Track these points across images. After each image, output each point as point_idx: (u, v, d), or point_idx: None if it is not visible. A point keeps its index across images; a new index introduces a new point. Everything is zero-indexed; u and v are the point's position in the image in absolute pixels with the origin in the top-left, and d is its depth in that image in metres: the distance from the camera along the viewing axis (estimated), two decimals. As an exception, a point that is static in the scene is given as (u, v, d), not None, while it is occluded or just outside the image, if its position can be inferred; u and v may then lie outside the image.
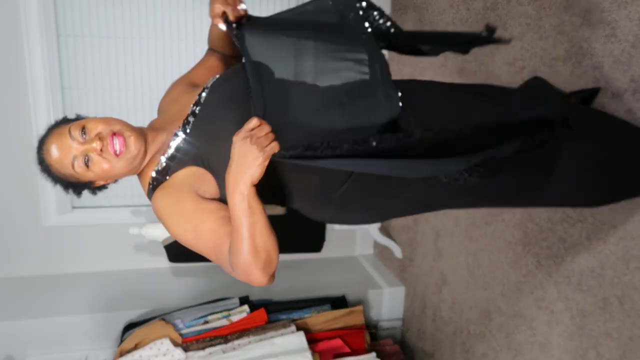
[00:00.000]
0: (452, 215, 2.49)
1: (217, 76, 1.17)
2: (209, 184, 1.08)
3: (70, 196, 2.93)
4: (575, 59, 1.70)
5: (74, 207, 2.99)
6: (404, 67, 2.98)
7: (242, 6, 1.10)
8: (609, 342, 1.62)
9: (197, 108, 1.10)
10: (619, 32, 1.53)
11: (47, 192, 2.85)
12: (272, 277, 1.00)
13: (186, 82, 1.28)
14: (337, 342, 2.54)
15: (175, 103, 1.21)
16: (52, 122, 1.12)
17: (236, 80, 1.10)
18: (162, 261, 3.01)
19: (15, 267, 2.96)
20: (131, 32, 2.87)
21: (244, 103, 1.05)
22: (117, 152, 1.04)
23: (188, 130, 1.10)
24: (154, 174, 1.10)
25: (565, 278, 1.79)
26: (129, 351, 2.41)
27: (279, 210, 2.83)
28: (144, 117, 3.24)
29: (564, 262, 1.79)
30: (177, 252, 2.70)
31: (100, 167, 1.04)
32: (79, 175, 1.06)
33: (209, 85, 1.14)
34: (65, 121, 1.10)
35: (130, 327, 2.60)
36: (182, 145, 1.09)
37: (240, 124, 0.97)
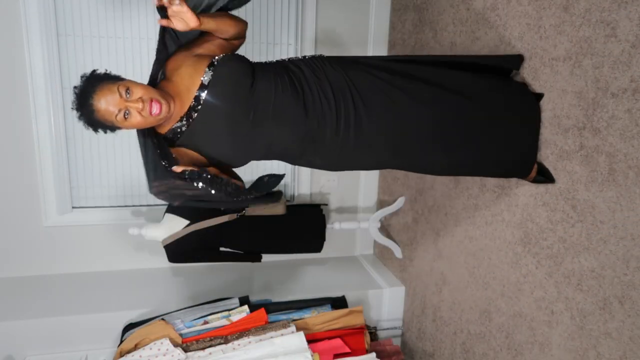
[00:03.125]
0: (452, 215, 2.49)
1: (213, 71, 1.47)
2: (195, 158, 1.54)
3: (70, 196, 2.95)
4: (575, 59, 1.70)
5: (74, 207, 2.99)
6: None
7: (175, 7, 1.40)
8: (609, 342, 1.62)
9: (198, 107, 1.47)
10: (619, 32, 1.53)
11: (47, 192, 2.86)
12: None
13: (188, 53, 1.54)
14: (337, 342, 2.54)
15: (177, 74, 1.51)
16: (95, 74, 1.42)
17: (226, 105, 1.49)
18: (162, 261, 3.01)
19: (15, 267, 2.96)
20: (131, 32, 2.87)
21: (231, 123, 1.50)
22: (154, 113, 1.38)
23: (189, 124, 1.50)
24: (169, 135, 1.52)
25: (565, 278, 1.79)
26: (129, 351, 2.41)
27: (279, 210, 2.84)
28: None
29: (564, 262, 1.79)
30: (177, 252, 2.70)
31: (136, 119, 1.38)
32: (116, 123, 1.40)
33: (206, 83, 1.46)
34: (107, 77, 1.41)
35: (130, 327, 2.60)
36: (181, 131, 1.50)
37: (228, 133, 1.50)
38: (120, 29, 2.85)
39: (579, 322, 1.74)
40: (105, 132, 1.46)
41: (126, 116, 1.38)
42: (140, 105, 1.37)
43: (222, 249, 2.83)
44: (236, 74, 1.48)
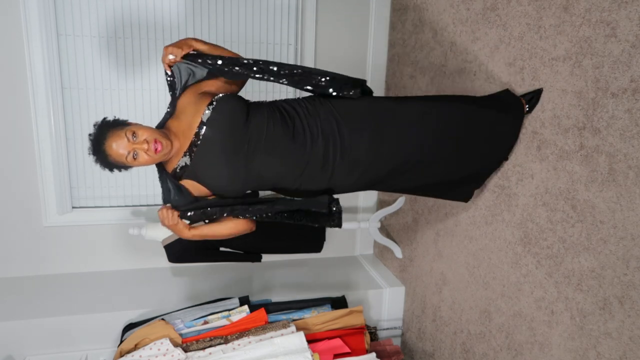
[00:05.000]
0: (452, 215, 2.49)
1: (212, 109, 1.65)
2: (202, 190, 1.74)
3: (70, 196, 2.95)
4: (575, 59, 1.70)
5: (73, 207, 2.99)
6: (404, 67, 2.98)
7: (170, 57, 1.65)
8: (609, 342, 1.62)
9: (198, 142, 1.66)
10: (619, 32, 1.53)
11: (47, 192, 2.86)
12: (252, 226, 1.85)
13: (195, 91, 1.72)
14: (337, 342, 2.54)
15: (184, 112, 1.69)
16: (105, 122, 1.63)
17: (225, 135, 1.67)
18: (162, 261, 3.01)
19: (15, 267, 2.96)
20: (131, 31, 2.87)
21: (227, 155, 1.67)
22: (156, 151, 1.59)
23: (191, 158, 1.69)
24: (177, 170, 1.72)
25: (565, 278, 1.79)
26: (129, 351, 2.41)
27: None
28: (143, 116, 3.23)
29: (564, 262, 1.79)
30: (177, 252, 2.70)
31: (144, 158, 1.59)
32: (127, 163, 1.61)
33: (205, 120, 1.64)
34: (116, 123, 1.62)
35: (130, 327, 2.60)
36: (186, 165, 1.70)
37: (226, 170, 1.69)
38: (121, 28, 2.85)
39: (579, 322, 1.74)
40: (120, 171, 1.66)
41: (135, 157, 1.58)
42: (145, 146, 1.57)
43: (222, 249, 2.83)
44: (232, 110, 1.65)
